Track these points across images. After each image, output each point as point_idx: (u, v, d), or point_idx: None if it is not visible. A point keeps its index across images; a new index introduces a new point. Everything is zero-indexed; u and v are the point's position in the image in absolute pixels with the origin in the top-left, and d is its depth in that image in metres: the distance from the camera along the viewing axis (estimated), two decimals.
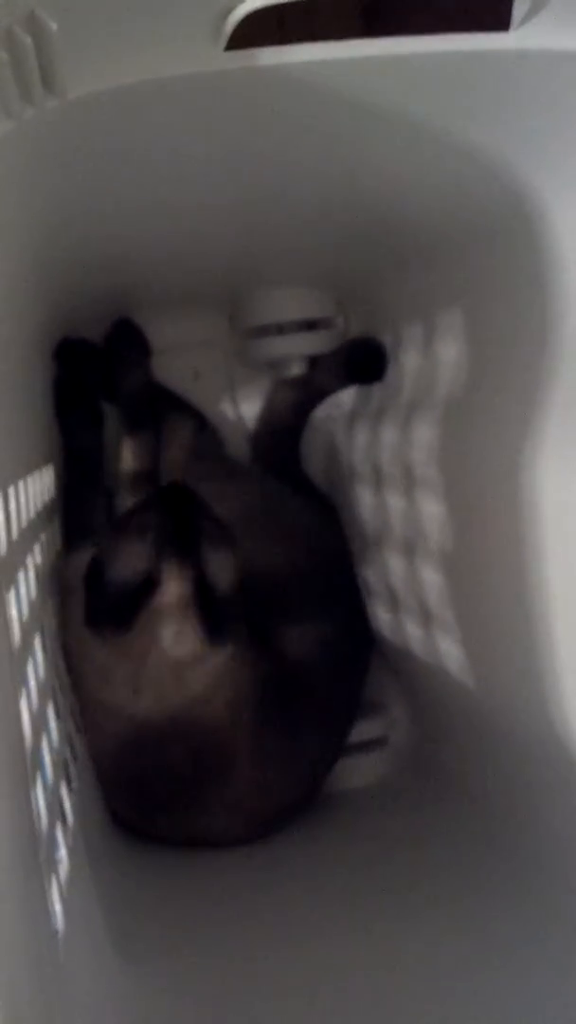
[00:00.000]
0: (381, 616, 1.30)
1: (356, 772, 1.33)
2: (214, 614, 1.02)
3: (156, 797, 1.12)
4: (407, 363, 1.20)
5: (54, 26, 0.54)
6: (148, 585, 0.99)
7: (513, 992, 0.82)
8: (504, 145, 0.79)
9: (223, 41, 0.60)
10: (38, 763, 0.76)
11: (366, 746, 1.35)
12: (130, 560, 1.00)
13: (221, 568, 1.03)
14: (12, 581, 0.77)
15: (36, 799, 0.71)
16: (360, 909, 0.99)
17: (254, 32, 0.61)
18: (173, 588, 1.00)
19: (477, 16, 0.66)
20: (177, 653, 1.02)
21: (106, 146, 0.71)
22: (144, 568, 1.00)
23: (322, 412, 1.42)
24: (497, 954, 0.87)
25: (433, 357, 1.11)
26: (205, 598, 1.01)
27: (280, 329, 1.38)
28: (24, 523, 0.88)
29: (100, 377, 1.32)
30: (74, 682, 1.06)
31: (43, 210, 0.81)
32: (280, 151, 0.80)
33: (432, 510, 1.09)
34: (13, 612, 0.76)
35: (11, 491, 0.81)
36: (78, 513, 1.26)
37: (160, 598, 0.99)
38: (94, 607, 1.01)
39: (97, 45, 0.57)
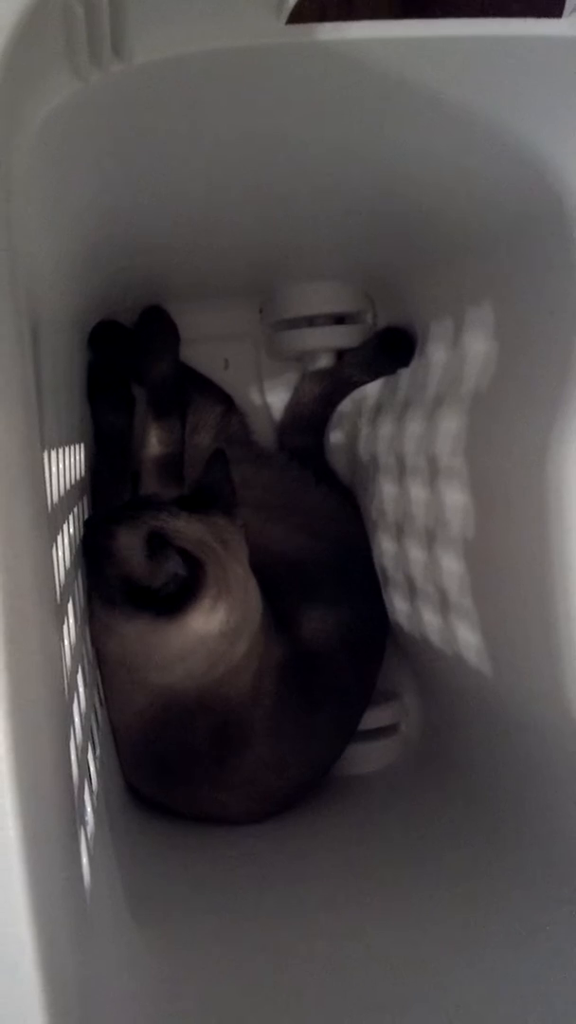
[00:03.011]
0: (398, 605, 1.32)
1: (366, 758, 1.34)
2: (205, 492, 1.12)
3: (176, 770, 1.14)
4: (434, 356, 1.22)
5: None
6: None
7: (508, 974, 0.84)
8: (545, 137, 0.80)
9: (286, 14, 0.61)
10: (71, 718, 0.77)
11: (377, 733, 1.37)
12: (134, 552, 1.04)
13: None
14: (53, 540, 0.79)
15: (70, 753, 0.73)
16: (364, 887, 1.01)
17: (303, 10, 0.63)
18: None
19: (530, 2, 0.67)
20: (215, 644, 1.06)
21: (163, 117, 0.73)
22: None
23: (347, 405, 1.44)
24: (499, 938, 0.88)
25: (461, 350, 1.13)
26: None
27: (310, 322, 1.40)
28: (62, 491, 0.90)
29: (131, 362, 1.34)
30: (100, 656, 1.08)
31: (95, 183, 0.83)
32: (324, 133, 0.81)
33: (456, 499, 1.10)
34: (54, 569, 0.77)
35: (53, 455, 0.82)
36: (105, 493, 1.28)
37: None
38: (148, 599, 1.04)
39: (167, 12, 0.59)
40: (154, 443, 1.34)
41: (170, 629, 1.04)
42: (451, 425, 1.11)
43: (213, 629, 1.05)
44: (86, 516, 1.19)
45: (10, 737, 0.47)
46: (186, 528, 1.06)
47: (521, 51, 0.68)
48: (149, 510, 1.07)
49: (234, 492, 1.13)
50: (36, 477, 0.68)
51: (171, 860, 1.07)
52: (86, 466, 1.23)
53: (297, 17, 0.62)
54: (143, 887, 0.93)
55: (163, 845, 1.10)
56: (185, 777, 1.14)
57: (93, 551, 1.05)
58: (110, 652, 1.08)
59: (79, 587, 1.01)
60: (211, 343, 1.42)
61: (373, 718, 1.35)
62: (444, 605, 1.16)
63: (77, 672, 0.87)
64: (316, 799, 1.23)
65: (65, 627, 0.82)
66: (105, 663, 1.09)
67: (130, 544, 1.03)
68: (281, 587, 1.23)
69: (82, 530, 1.08)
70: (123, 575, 1.03)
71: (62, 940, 0.55)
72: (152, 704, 1.09)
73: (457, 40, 0.66)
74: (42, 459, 0.73)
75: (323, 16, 0.65)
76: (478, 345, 1.08)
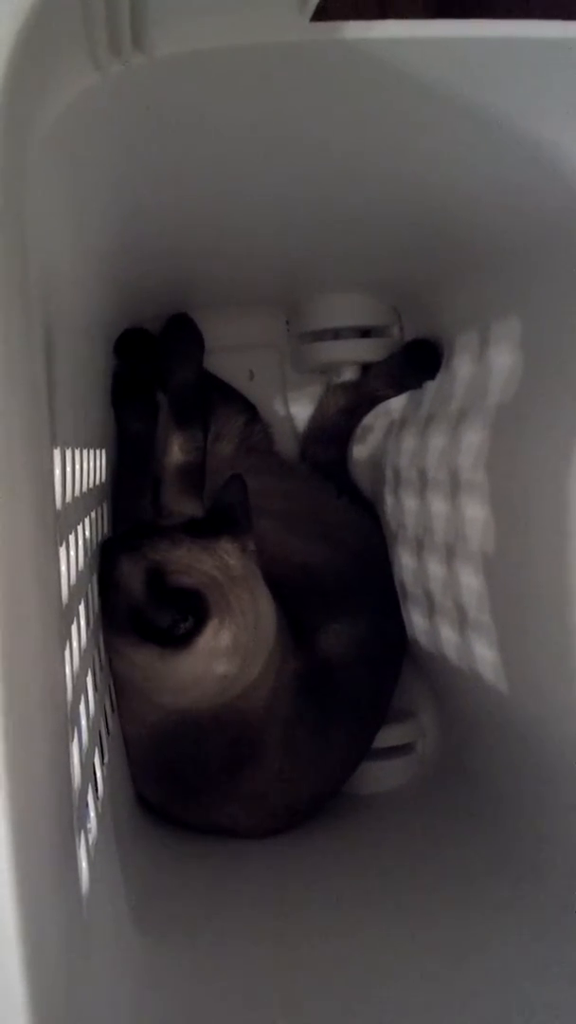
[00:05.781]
0: (416, 621, 1.30)
1: (381, 777, 1.33)
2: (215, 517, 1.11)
3: (187, 783, 1.13)
4: (460, 370, 1.20)
5: None
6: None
7: (524, 997, 0.82)
8: (573, 144, 0.78)
9: (310, 11, 0.61)
10: (75, 722, 0.76)
11: (393, 752, 1.35)
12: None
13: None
14: (64, 540, 0.78)
15: (72, 756, 0.72)
16: (374, 909, 0.99)
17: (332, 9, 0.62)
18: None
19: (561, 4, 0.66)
20: (225, 670, 1.05)
21: (184, 113, 0.72)
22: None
23: (371, 418, 1.43)
24: (521, 966, 0.86)
25: (487, 364, 1.11)
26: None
27: (336, 334, 1.39)
28: (77, 492, 0.89)
29: (156, 369, 1.33)
30: (113, 671, 1.07)
31: (114, 180, 0.82)
32: (349, 137, 0.80)
33: (477, 514, 1.09)
34: (63, 568, 0.76)
35: (68, 453, 0.82)
36: (126, 499, 1.28)
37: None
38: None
39: (189, 4, 0.59)
40: (176, 451, 1.33)
41: (177, 659, 1.03)
42: (474, 439, 1.10)
43: (221, 656, 1.04)
44: (105, 520, 1.19)
45: (3, 740, 0.46)
46: (187, 557, 1.05)
47: (551, 54, 0.67)
48: (151, 539, 1.06)
49: (248, 517, 1.12)
50: (44, 478, 0.67)
51: (179, 871, 1.06)
52: (107, 471, 1.23)
53: (322, 14, 0.62)
54: (149, 896, 0.92)
55: (172, 856, 1.09)
56: (195, 788, 1.13)
57: (102, 578, 1.05)
58: (121, 674, 1.07)
59: (92, 589, 1.01)
60: (236, 353, 1.42)
61: (389, 736, 1.34)
62: (463, 621, 1.15)
63: (85, 675, 0.86)
64: (328, 817, 1.22)
65: (74, 628, 0.81)
66: (117, 678, 1.08)
67: (132, 575, 1.03)
68: (299, 599, 1.22)
69: (99, 553, 1.08)
70: (128, 604, 1.03)
71: (52, 945, 0.54)
72: (165, 719, 1.08)
73: (484, 42, 0.65)
74: (51, 460, 0.72)
75: (353, 14, 0.64)
76: (503, 358, 1.06)
